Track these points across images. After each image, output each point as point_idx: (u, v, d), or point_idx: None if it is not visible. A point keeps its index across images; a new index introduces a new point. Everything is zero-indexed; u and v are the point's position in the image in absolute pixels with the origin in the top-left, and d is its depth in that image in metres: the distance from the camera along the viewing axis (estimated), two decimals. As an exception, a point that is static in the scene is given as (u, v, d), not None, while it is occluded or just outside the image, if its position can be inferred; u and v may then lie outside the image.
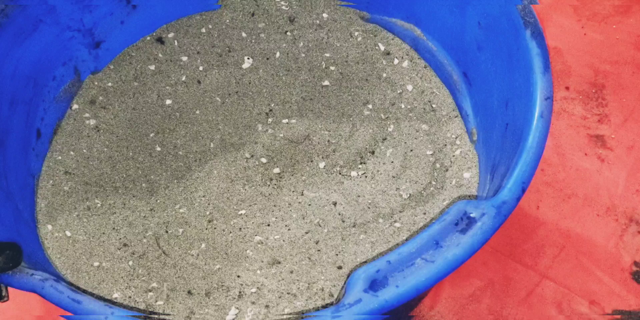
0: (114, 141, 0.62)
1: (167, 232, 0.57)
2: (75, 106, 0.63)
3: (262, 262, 0.56)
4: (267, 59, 0.66)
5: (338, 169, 0.61)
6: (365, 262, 0.55)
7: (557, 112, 0.77)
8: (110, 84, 0.64)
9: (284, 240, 0.57)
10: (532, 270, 0.69)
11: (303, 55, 0.66)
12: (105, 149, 0.61)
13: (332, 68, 0.66)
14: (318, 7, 0.67)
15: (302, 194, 0.60)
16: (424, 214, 0.57)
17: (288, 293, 0.54)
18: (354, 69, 0.66)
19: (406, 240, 0.55)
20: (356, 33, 0.66)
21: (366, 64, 0.66)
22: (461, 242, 0.40)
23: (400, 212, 0.57)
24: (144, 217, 0.58)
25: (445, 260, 0.40)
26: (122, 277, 0.54)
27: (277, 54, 0.66)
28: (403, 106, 0.63)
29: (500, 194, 0.42)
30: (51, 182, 0.59)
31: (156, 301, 0.53)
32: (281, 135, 0.63)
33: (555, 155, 0.75)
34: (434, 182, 0.58)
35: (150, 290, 0.54)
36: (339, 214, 0.58)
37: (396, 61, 0.65)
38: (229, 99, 0.65)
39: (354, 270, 0.48)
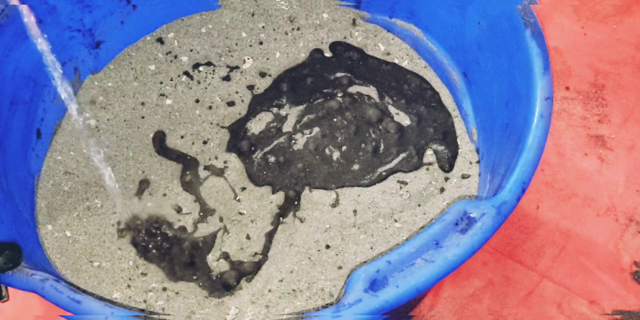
0: (114, 141, 0.62)
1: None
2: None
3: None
4: (267, 59, 0.66)
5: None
6: (365, 262, 0.55)
7: (557, 112, 0.77)
8: (110, 84, 0.64)
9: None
10: (532, 270, 0.69)
11: (303, 55, 0.66)
12: (105, 149, 0.61)
13: (332, 68, 0.66)
14: (318, 7, 0.67)
15: (303, 194, 0.60)
16: (424, 214, 0.57)
17: (288, 293, 0.54)
18: (354, 69, 0.66)
19: (406, 240, 0.55)
20: (356, 33, 0.66)
21: (366, 64, 0.66)
22: (461, 242, 0.40)
23: (400, 212, 0.57)
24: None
25: (445, 260, 0.40)
26: (122, 277, 0.54)
27: (277, 54, 0.66)
28: (403, 106, 0.63)
29: (500, 194, 0.42)
30: (51, 182, 0.59)
31: (156, 301, 0.53)
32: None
33: (555, 155, 0.75)
34: (434, 182, 0.58)
35: (150, 290, 0.54)
36: (339, 214, 0.58)
37: (396, 61, 0.65)
38: (229, 99, 0.65)
39: (354, 270, 0.48)
